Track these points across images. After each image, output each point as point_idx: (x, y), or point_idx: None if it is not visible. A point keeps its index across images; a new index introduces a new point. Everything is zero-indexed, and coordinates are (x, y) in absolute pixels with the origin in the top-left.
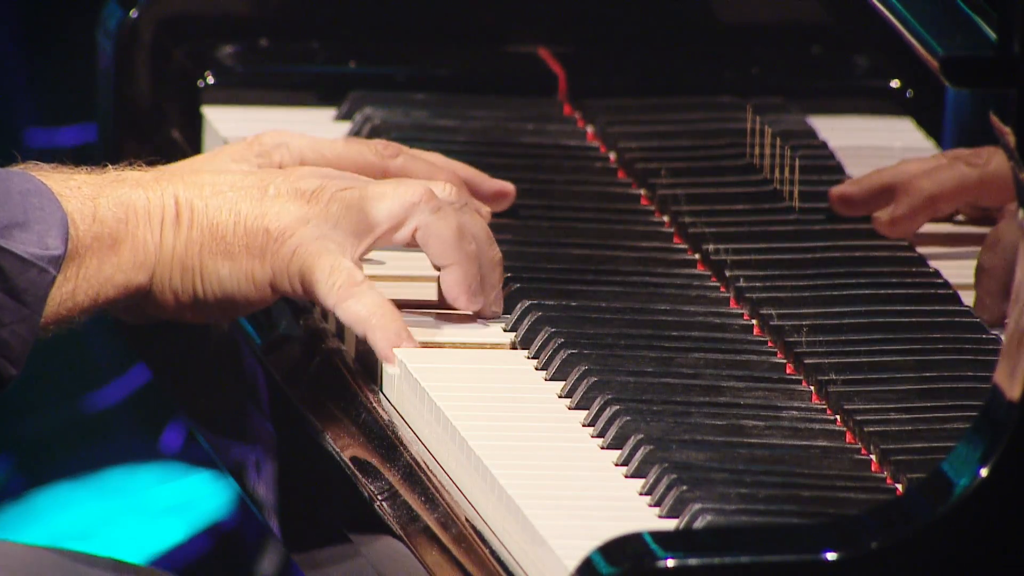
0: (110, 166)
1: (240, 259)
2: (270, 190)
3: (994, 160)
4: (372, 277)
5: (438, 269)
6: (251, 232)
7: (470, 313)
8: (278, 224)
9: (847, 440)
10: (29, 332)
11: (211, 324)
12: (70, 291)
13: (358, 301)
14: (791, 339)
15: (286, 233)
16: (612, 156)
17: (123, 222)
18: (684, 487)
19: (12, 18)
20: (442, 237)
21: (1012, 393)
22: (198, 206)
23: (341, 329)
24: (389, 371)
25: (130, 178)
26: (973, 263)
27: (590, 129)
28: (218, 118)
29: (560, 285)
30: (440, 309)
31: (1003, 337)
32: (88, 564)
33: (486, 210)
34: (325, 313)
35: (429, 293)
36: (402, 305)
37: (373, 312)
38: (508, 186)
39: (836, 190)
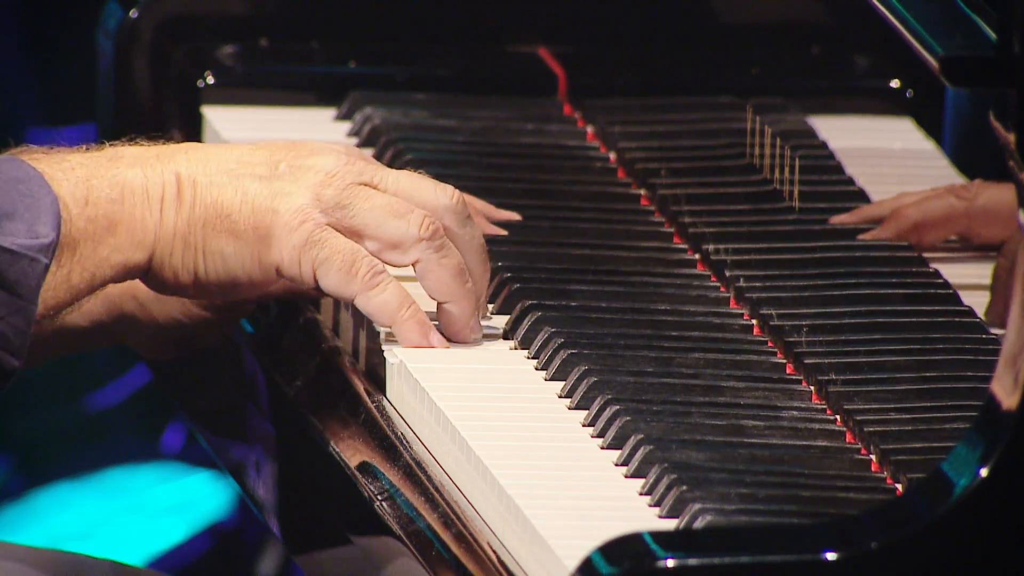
0: (107, 144)
1: (246, 239)
2: (281, 167)
3: (984, 194)
4: None
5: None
6: (259, 212)
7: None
8: (289, 206)
9: (847, 440)
10: (25, 323)
11: (211, 315)
12: (65, 276)
13: (383, 291)
14: (791, 339)
15: (298, 217)
16: (612, 156)
17: (119, 202)
18: (684, 487)
19: (13, 18)
20: (442, 279)
21: (1012, 397)
22: (201, 182)
23: (339, 327)
24: (390, 370)
25: (127, 155)
26: (973, 263)
27: (590, 129)
28: (218, 118)
29: (560, 285)
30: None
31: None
32: (87, 566)
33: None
34: (321, 309)
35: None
36: None
37: (402, 303)
38: (515, 216)
39: (834, 219)
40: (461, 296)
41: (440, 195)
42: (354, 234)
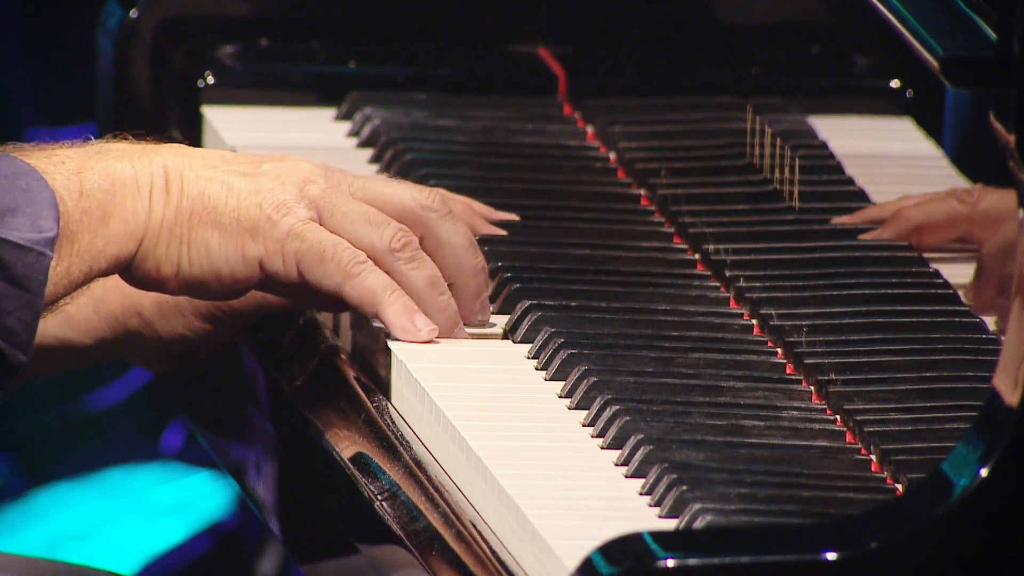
0: (92, 139)
1: (231, 232)
2: (264, 166)
3: (986, 199)
4: None
5: None
6: (243, 206)
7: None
8: (272, 200)
9: (847, 440)
10: (33, 317)
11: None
12: (65, 269)
13: (367, 277)
14: (791, 339)
15: (280, 211)
16: (612, 156)
17: (110, 193)
18: (684, 487)
19: (13, 18)
20: (413, 289)
21: (1012, 397)
22: (188, 176)
23: (338, 327)
24: (390, 370)
25: (114, 149)
26: (973, 264)
27: (590, 129)
28: (218, 118)
29: (560, 285)
30: None
31: (1003, 337)
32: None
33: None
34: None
35: None
36: None
37: (386, 287)
38: (514, 217)
39: (835, 220)
40: (435, 308)
41: (416, 195)
42: (334, 233)
